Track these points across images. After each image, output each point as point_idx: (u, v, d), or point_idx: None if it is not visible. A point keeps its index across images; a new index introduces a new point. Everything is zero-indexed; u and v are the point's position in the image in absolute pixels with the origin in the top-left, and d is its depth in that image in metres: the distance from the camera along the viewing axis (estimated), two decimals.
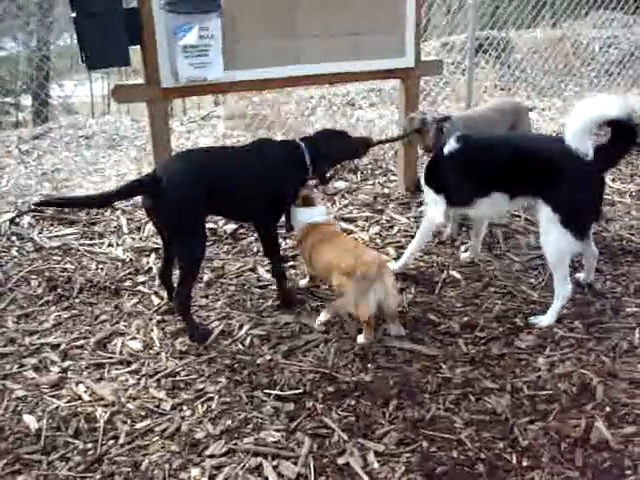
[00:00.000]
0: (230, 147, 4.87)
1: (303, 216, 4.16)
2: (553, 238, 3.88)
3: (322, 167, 4.31)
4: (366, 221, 5.37)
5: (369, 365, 3.60)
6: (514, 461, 2.95)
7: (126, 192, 3.95)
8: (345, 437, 3.07)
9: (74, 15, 4.32)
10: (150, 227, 5.19)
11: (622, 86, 10.34)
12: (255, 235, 5.08)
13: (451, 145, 4.26)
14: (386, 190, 6.00)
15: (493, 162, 4.11)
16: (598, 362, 3.62)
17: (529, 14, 9.73)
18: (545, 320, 3.97)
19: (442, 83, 9.47)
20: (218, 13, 4.62)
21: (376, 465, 2.92)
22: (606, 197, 5.79)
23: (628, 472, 2.88)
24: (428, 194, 4.47)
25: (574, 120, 3.70)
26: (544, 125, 8.23)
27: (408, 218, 5.49)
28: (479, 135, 4.47)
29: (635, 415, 3.22)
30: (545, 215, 3.89)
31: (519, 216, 5.40)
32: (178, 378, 3.53)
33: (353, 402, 3.31)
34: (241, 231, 5.20)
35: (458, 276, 4.55)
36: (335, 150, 4.35)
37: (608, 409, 3.25)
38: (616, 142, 3.74)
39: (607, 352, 3.71)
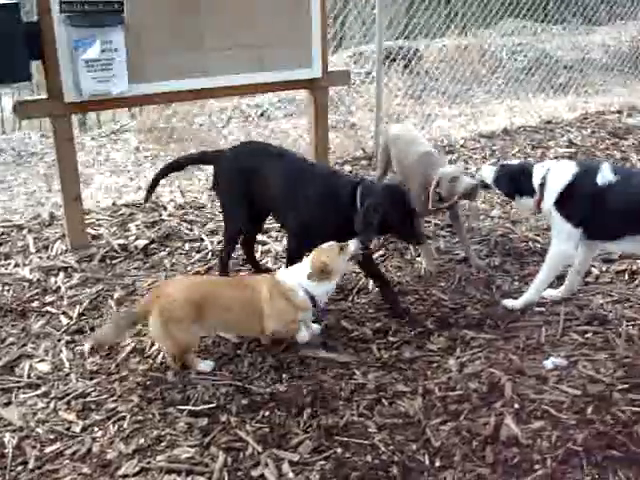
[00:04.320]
0: None
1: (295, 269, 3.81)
2: None
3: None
4: (279, 232, 5.37)
5: (283, 375, 3.60)
6: (427, 462, 3.02)
7: None
8: (259, 449, 3.07)
9: None
10: (58, 246, 5.07)
11: (529, 92, 10.66)
12: (167, 250, 5.03)
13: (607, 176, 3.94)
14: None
15: None
16: (506, 360, 3.72)
17: (440, 24, 9.92)
18: None
19: (355, 93, 9.59)
20: (121, 26, 4.57)
21: (291, 475, 2.93)
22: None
23: (537, 466, 2.98)
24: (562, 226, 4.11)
25: None
26: (454, 132, 8.41)
27: None
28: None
29: (543, 410, 3.33)
30: None
31: (429, 221, 5.50)
32: (89, 399, 3.46)
33: (267, 413, 3.31)
34: (153, 246, 5.13)
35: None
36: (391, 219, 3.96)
37: (517, 405, 3.35)
38: None
39: (515, 350, 3.82)
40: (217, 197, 4.66)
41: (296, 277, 3.69)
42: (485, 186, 4.50)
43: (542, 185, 4.08)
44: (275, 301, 3.65)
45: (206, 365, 3.65)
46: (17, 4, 4.36)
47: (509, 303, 4.28)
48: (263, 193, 4.27)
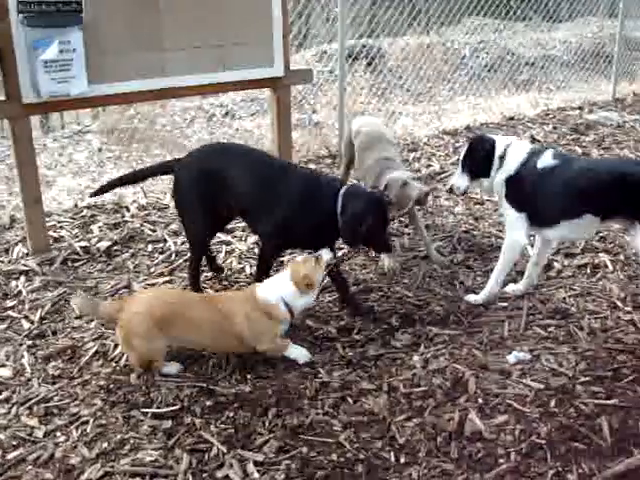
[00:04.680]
0: None
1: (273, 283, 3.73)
2: None
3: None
4: (243, 231, 5.35)
5: (248, 376, 3.59)
6: (392, 459, 3.03)
7: None
8: (224, 450, 3.06)
9: None
10: (19, 249, 5.00)
11: (492, 89, 10.76)
12: (130, 252, 4.99)
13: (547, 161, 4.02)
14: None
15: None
16: (470, 356, 3.75)
17: (403, 22, 9.95)
18: None
19: (318, 91, 9.59)
20: (80, 26, 4.52)
21: (256, 475, 2.92)
22: (475, 196, 6.00)
23: (501, 460, 3.01)
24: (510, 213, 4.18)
25: None
26: (418, 129, 8.45)
27: None
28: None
29: (506, 404, 3.36)
30: None
31: (392, 218, 5.51)
32: (51, 404, 3.41)
33: (232, 414, 3.29)
34: (116, 248, 5.08)
35: None
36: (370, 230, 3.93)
37: (480, 400, 3.38)
38: None
39: (478, 346, 3.85)
40: (177, 207, 4.38)
41: (277, 292, 3.61)
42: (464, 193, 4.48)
43: (502, 158, 4.14)
44: (257, 322, 3.58)
45: (171, 368, 3.61)
46: None
47: (471, 298, 4.33)
48: (231, 197, 4.10)
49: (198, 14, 5.09)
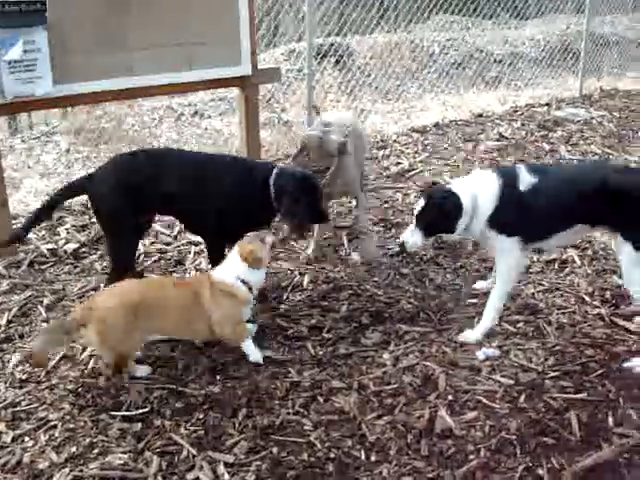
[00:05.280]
0: None
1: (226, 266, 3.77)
2: None
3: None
4: None
5: (218, 376, 3.58)
6: (363, 457, 3.04)
7: None
8: (194, 452, 3.05)
9: None
10: None
11: (460, 86, 10.82)
12: (98, 254, 4.95)
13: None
14: None
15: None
16: (440, 353, 3.77)
17: (371, 20, 9.97)
18: None
19: (288, 90, 9.58)
20: (44, 26, 4.47)
21: (226, 476, 2.92)
22: None
23: (471, 457, 3.03)
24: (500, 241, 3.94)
25: None
26: (387, 127, 8.47)
27: None
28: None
29: (476, 401, 3.39)
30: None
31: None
32: (19, 408, 3.37)
33: (202, 415, 3.28)
34: (83, 250, 5.03)
35: (305, 280, 4.60)
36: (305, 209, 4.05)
37: (450, 397, 3.41)
38: None
39: (448, 343, 3.87)
40: (103, 224, 4.18)
41: (232, 272, 3.66)
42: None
43: (474, 209, 3.82)
44: (220, 303, 3.61)
45: (142, 370, 3.59)
46: None
47: (468, 336, 3.96)
48: (159, 203, 4.07)
49: (164, 13, 5.07)
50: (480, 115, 8.99)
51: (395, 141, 7.76)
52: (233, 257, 3.71)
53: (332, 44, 10.09)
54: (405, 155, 7.26)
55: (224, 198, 3.99)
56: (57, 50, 4.58)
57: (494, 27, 13.46)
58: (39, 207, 4.23)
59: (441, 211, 3.80)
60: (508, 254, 3.90)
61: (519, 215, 3.81)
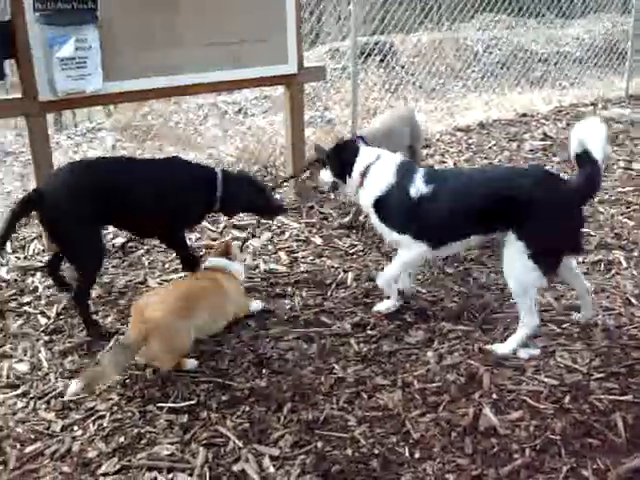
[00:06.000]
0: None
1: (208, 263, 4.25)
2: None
3: (232, 207, 4.53)
4: (257, 227, 5.38)
5: (263, 371, 3.61)
6: (407, 454, 3.04)
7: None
8: (240, 444, 3.08)
9: None
10: (35, 245, 5.04)
11: (505, 86, 10.74)
12: (145, 248, 5.03)
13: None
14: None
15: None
16: (484, 352, 3.75)
17: (415, 18, 9.94)
18: (503, 348, 3.77)
19: (331, 88, 9.61)
20: (95, 24, 4.54)
21: (271, 469, 2.94)
22: None
23: (516, 456, 3.01)
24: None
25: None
26: (430, 126, 8.44)
27: (299, 223, 5.53)
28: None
29: (521, 401, 3.37)
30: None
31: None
32: (68, 398, 3.43)
33: (248, 409, 3.32)
34: (130, 244, 5.11)
35: (349, 277, 4.62)
36: (248, 198, 4.49)
37: (495, 396, 3.39)
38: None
39: (492, 342, 3.84)
40: (60, 239, 4.02)
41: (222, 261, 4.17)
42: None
43: (363, 174, 4.05)
44: (232, 285, 4.05)
45: (190, 364, 3.65)
46: None
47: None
48: (116, 208, 4.02)
49: (213, 11, 5.11)
50: (524, 115, 8.92)
51: (439, 140, 7.75)
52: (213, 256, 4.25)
53: (377, 43, 10.10)
54: (449, 154, 7.24)
55: (180, 201, 4.24)
56: (107, 48, 4.65)
57: (539, 26, 13.34)
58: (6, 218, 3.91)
59: (338, 152, 4.26)
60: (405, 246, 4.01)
61: (406, 219, 3.89)
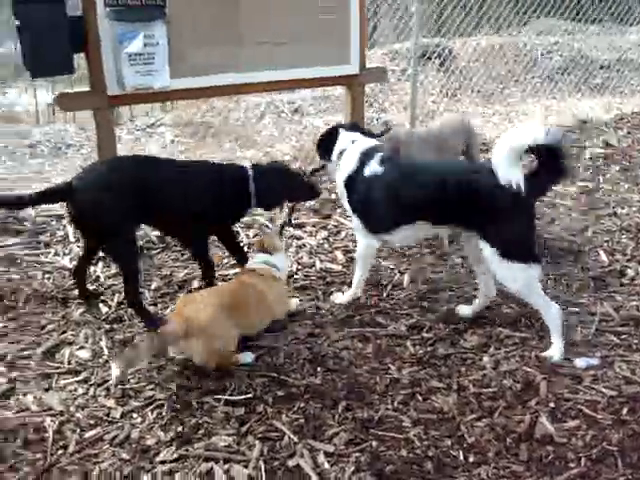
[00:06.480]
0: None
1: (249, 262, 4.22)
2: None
3: (268, 201, 4.42)
4: (314, 227, 5.42)
5: (318, 368, 3.64)
6: (461, 457, 3.04)
7: None
8: (295, 439, 3.11)
9: (18, 23, 4.28)
10: None
11: (565, 92, 10.61)
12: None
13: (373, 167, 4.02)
14: (333, 196, 6.03)
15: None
16: (540, 359, 3.72)
17: (472, 21, 9.90)
18: (555, 354, 3.75)
19: (388, 90, 9.60)
20: (163, 20, 4.63)
21: (326, 465, 2.96)
22: (547, 199, 5.93)
23: (572, 465, 2.99)
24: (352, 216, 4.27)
25: (501, 148, 3.49)
26: (488, 130, 8.38)
27: None
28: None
29: (578, 410, 3.34)
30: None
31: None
32: (128, 386, 3.51)
33: (303, 405, 3.35)
34: None
35: (405, 279, 4.62)
36: (283, 189, 4.39)
37: (551, 404, 3.37)
38: (545, 170, 3.55)
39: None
40: (100, 234, 4.03)
41: (260, 261, 4.11)
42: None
43: (340, 155, 4.23)
44: (271, 285, 3.98)
45: (247, 356, 3.70)
46: None
47: (338, 299, 4.33)
48: (147, 207, 4.02)
49: (277, 9, 5.17)
50: (585, 122, 8.79)
51: None
52: (255, 253, 4.21)
53: (437, 45, 10.06)
54: None
55: (211, 201, 4.21)
56: (174, 44, 4.73)
57: (598, 32, 13.13)
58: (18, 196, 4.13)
59: (322, 138, 4.44)
60: (362, 234, 4.20)
61: (361, 199, 4.05)
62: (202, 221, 4.22)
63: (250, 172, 4.31)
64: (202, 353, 3.53)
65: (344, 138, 4.27)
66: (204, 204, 4.15)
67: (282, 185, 4.36)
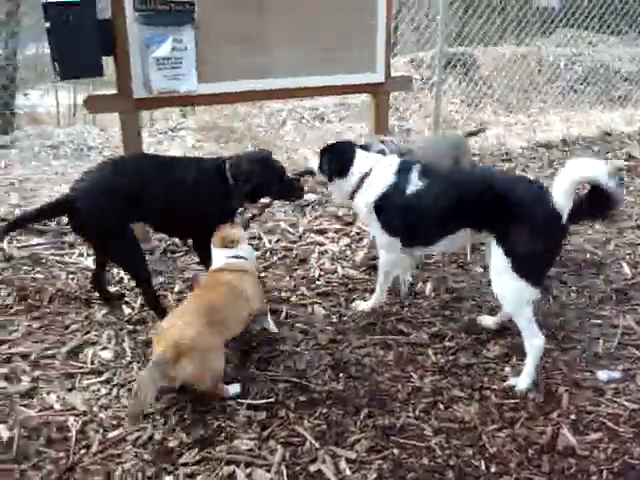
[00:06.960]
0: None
1: (215, 259, 3.90)
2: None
3: (247, 190, 4.15)
4: (336, 233, 5.43)
5: (340, 375, 3.65)
6: (482, 467, 3.03)
7: None
8: (317, 445, 3.12)
9: (48, 25, 4.33)
10: None
11: (586, 103, 10.58)
12: None
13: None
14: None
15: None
16: (563, 371, 3.71)
17: (495, 32, 9.89)
18: (521, 382, 3.62)
19: (410, 98, 9.61)
20: (192, 25, 4.66)
21: (348, 472, 2.97)
22: None
23: (594, 477, 2.98)
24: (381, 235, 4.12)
25: (565, 178, 3.39)
26: (511, 140, 8.38)
27: None
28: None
29: (600, 422, 3.32)
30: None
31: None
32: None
33: (325, 410, 3.36)
34: None
35: (427, 287, 4.62)
36: (264, 177, 4.17)
37: (573, 416, 3.36)
38: (590, 205, 3.46)
39: (572, 362, 3.80)
40: (104, 240, 4.00)
41: (225, 257, 3.84)
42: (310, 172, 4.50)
43: (363, 178, 4.04)
44: (246, 281, 3.76)
45: (234, 388, 3.48)
46: (93, 1, 4.47)
47: (360, 307, 4.34)
48: (145, 207, 4.00)
49: (305, 17, 5.20)
50: (608, 134, 8.77)
51: (521, 155, 7.67)
52: (218, 249, 3.87)
53: (454, 54, 10.07)
54: (530, 170, 7.17)
55: (194, 197, 4.07)
56: (201, 49, 4.77)
57: (620, 44, 13.08)
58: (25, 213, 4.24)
59: (333, 152, 4.20)
60: (388, 251, 4.13)
61: (402, 218, 3.93)
62: (189, 217, 4.11)
63: (227, 164, 4.16)
64: (196, 372, 3.26)
65: (364, 160, 4.10)
66: (185, 199, 4.04)
67: (261, 174, 4.14)
